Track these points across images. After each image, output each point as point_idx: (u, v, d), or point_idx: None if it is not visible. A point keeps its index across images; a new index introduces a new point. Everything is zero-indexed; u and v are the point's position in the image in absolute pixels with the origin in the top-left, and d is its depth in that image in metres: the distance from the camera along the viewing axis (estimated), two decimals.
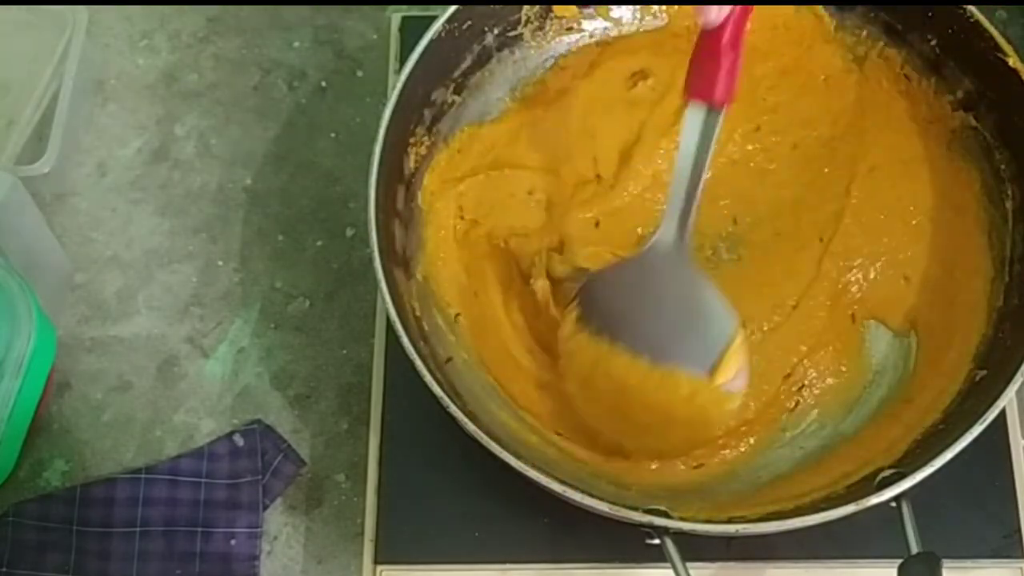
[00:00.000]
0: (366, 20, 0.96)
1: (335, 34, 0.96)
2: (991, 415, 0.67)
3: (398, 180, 0.78)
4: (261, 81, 0.95)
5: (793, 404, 0.77)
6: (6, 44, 0.91)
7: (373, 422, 0.78)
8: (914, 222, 0.80)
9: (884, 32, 0.82)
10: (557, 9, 0.84)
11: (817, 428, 0.77)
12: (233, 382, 0.85)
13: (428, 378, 0.68)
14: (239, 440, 0.82)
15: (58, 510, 0.80)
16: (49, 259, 0.85)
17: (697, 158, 0.67)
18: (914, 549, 0.66)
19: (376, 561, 0.75)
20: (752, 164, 0.83)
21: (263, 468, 0.81)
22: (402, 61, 0.78)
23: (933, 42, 0.80)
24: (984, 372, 0.73)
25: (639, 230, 0.81)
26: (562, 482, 0.67)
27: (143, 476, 0.81)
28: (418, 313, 0.76)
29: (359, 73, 0.95)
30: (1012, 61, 0.75)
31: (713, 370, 0.68)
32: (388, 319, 0.71)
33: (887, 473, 0.69)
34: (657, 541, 0.66)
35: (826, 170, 0.82)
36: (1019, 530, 0.75)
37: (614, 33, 0.86)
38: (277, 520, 0.82)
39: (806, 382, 0.77)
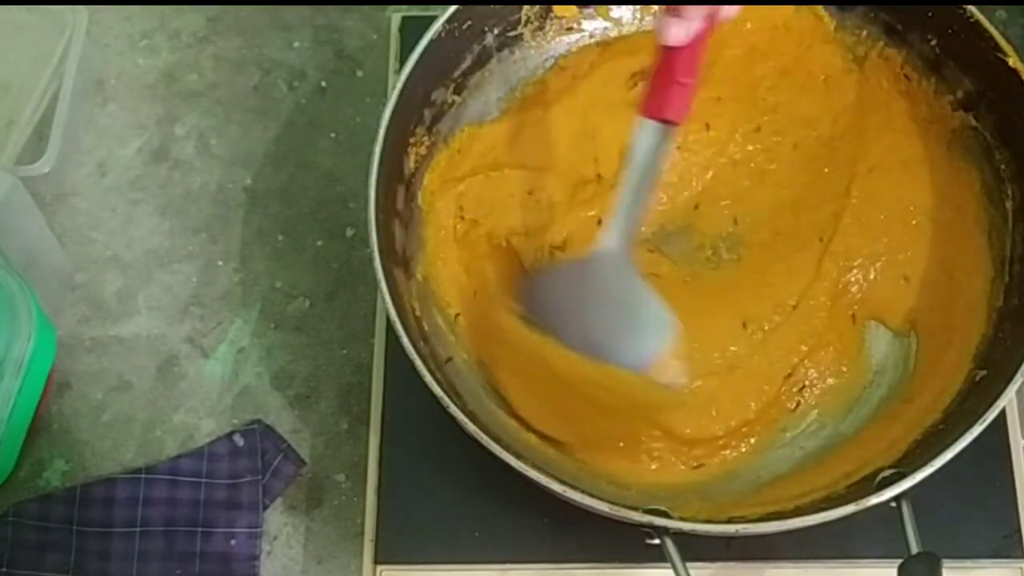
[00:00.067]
0: (366, 20, 0.96)
1: (335, 34, 0.96)
2: (991, 415, 0.67)
3: (398, 180, 0.78)
4: (261, 81, 0.95)
5: (794, 405, 0.77)
6: (6, 44, 0.91)
7: (373, 422, 0.78)
8: (914, 222, 0.80)
9: (884, 32, 0.82)
10: (557, 9, 0.84)
11: (817, 428, 0.77)
12: (233, 382, 0.85)
13: (428, 378, 0.68)
14: (239, 440, 0.82)
15: (58, 510, 0.80)
16: (49, 259, 0.85)
17: (647, 171, 0.68)
18: (914, 549, 0.66)
19: (376, 561, 0.75)
20: (752, 164, 0.83)
21: (263, 468, 0.81)
22: (402, 61, 0.78)
23: (933, 42, 0.80)
24: (984, 372, 0.73)
25: (643, 229, 0.81)
26: (562, 482, 0.67)
27: (143, 476, 0.81)
28: (418, 313, 0.76)
29: (359, 73, 0.95)
30: (1012, 61, 0.75)
31: (649, 368, 0.69)
32: (388, 319, 0.71)
33: (887, 473, 0.69)
34: (657, 541, 0.66)
35: (826, 170, 0.82)
36: (1019, 530, 0.75)
37: (614, 33, 0.86)
38: (277, 520, 0.82)
39: (807, 382, 0.77)
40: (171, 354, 0.86)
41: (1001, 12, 0.95)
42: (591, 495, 0.67)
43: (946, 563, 0.65)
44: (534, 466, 0.67)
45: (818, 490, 0.71)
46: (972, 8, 0.76)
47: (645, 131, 0.68)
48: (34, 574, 0.78)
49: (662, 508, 0.68)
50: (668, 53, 0.66)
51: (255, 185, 0.91)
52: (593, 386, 0.70)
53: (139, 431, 0.84)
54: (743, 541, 0.72)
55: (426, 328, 0.76)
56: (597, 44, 0.86)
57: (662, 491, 0.74)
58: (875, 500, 0.66)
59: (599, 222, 0.80)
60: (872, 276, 0.79)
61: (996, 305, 0.76)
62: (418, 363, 0.69)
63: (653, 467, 0.76)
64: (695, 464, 0.76)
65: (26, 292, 0.77)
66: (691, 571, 0.66)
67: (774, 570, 0.74)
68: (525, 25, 0.83)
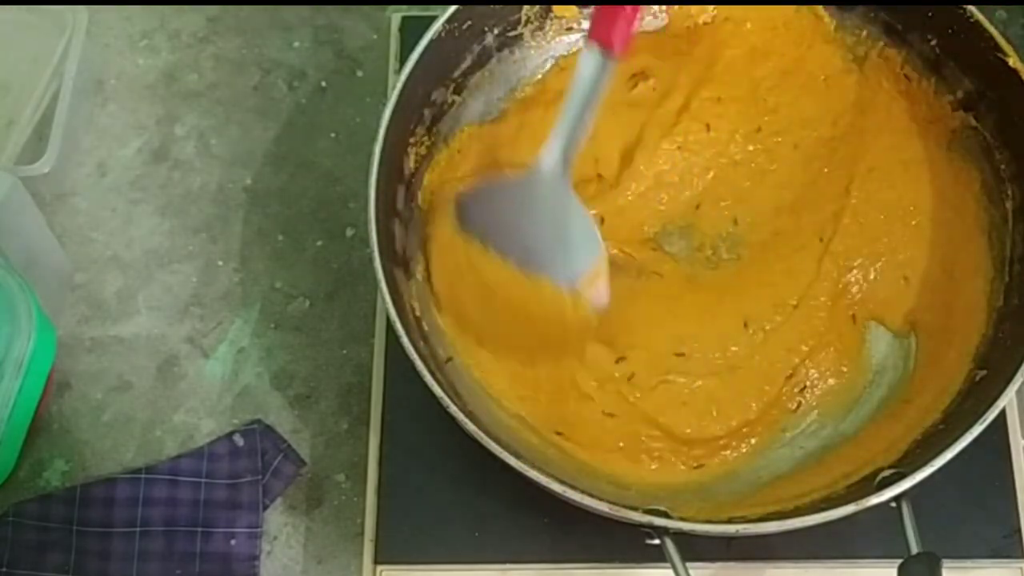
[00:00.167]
0: (366, 20, 0.96)
1: (335, 34, 0.96)
2: (991, 415, 0.67)
3: (398, 180, 0.78)
4: (261, 81, 0.95)
5: (795, 405, 0.77)
6: (6, 44, 0.91)
7: (373, 422, 0.78)
8: (914, 222, 0.80)
9: (884, 32, 0.82)
10: (557, 9, 0.84)
11: (817, 428, 0.77)
12: (233, 382, 0.85)
13: (428, 378, 0.68)
14: (239, 440, 0.82)
15: (58, 510, 0.80)
16: (49, 259, 0.85)
17: (587, 98, 0.70)
18: (914, 549, 0.66)
19: (376, 561, 0.75)
20: (753, 165, 0.83)
21: (263, 468, 0.81)
22: (402, 61, 0.78)
23: (933, 42, 0.80)
24: (984, 372, 0.73)
25: (646, 228, 0.82)
26: (562, 482, 0.67)
27: (143, 476, 0.81)
28: (418, 313, 0.76)
29: (359, 73, 0.95)
30: (1012, 61, 0.74)
31: (576, 284, 0.70)
32: (388, 319, 0.71)
33: (887, 473, 0.69)
34: (657, 541, 0.66)
35: (826, 170, 0.82)
36: (1019, 530, 0.75)
37: None
38: (277, 520, 0.82)
39: (808, 383, 0.77)
40: (171, 354, 0.86)
41: (1001, 12, 0.95)
42: (591, 495, 0.67)
43: (946, 563, 0.65)
44: (534, 466, 0.67)
45: (818, 490, 0.71)
46: (972, 8, 0.76)
47: (589, 57, 0.70)
48: (34, 574, 0.78)
49: (662, 508, 0.68)
50: None
51: (255, 185, 0.91)
52: (522, 297, 0.71)
53: (139, 431, 0.84)
54: (743, 541, 0.72)
55: (426, 328, 0.76)
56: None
57: (662, 491, 0.74)
58: (875, 500, 0.66)
59: (602, 220, 0.80)
60: (872, 276, 0.79)
61: (996, 305, 0.76)
62: (418, 363, 0.69)
63: (653, 467, 0.76)
64: (695, 464, 0.76)
65: (26, 292, 0.77)
66: (691, 571, 0.66)
67: (774, 570, 0.74)
68: (525, 25, 0.83)
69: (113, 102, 0.94)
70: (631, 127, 0.83)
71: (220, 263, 0.89)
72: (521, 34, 0.83)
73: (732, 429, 0.76)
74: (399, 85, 0.75)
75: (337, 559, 0.81)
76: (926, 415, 0.73)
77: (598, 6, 0.70)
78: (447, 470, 0.76)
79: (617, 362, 0.77)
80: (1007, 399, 0.68)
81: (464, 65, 0.81)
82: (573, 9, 0.85)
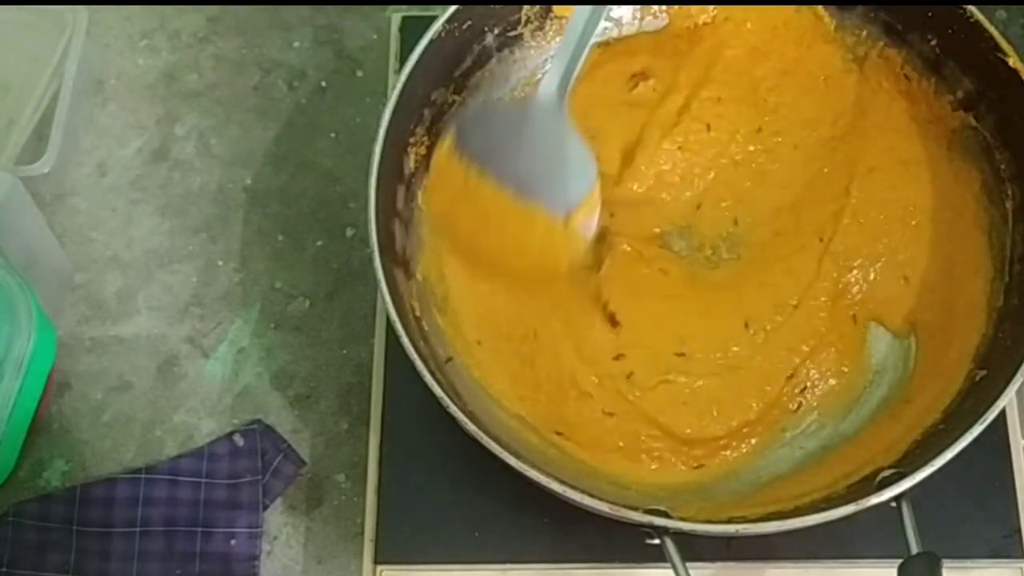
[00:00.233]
0: (366, 20, 0.96)
1: (335, 34, 0.96)
2: (991, 415, 0.67)
3: (398, 180, 0.78)
4: (261, 81, 0.95)
5: (796, 406, 0.77)
6: (6, 44, 0.91)
7: (373, 422, 0.78)
8: (914, 222, 0.80)
9: (884, 32, 0.82)
10: (557, 9, 0.84)
11: (817, 428, 0.77)
12: (233, 382, 0.85)
13: (428, 378, 0.68)
14: (239, 440, 0.82)
15: (58, 510, 0.80)
16: (49, 259, 0.85)
17: (584, 31, 0.70)
18: (914, 549, 0.66)
19: (376, 561, 0.75)
20: (754, 165, 0.83)
21: (263, 468, 0.81)
22: (402, 61, 0.78)
23: (933, 42, 0.80)
24: (984, 372, 0.73)
25: (656, 229, 0.81)
26: (562, 482, 0.67)
27: (143, 476, 0.81)
28: (418, 313, 0.76)
29: (359, 73, 0.95)
30: (1012, 61, 0.74)
31: (569, 213, 0.70)
32: (388, 319, 0.71)
33: (887, 473, 0.69)
34: (657, 541, 0.66)
35: (826, 170, 0.82)
36: (1019, 530, 0.75)
37: (614, 33, 0.86)
38: (277, 520, 0.82)
39: (808, 383, 0.77)
40: (171, 354, 0.86)
41: (1001, 12, 0.95)
42: (591, 495, 0.67)
43: (946, 563, 0.65)
44: (534, 466, 0.67)
45: (818, 490, 0.71)
46: (972, 8, 0.76)
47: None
48: (34, 574, 0.78)
49: (662, 508, 0.68)
50: None
51: (255, 185, 0.91)
52: (515, 223, 0.70)
53: (139, 431, 0.84)
54: (743, 541, 0.72)
55: (426, 328, 0.76)
56: (597, 44, 0.86)
57: (662, 491, 0.74)
58: (875, 500, 0.66)
59: (611, 215, 0.81)
60: (872, 276, 0.79)
61: (996, 305, 0.76)
62: (418, 363, 0.69)
63: (653, 467, 0.76)
64: (695, 464, 0.76)
65: (26, 292, 0.77)
66: (691, 571, 0.66)
67: (774, 570, 0.74)
68: (525, 25, 0.83)
69: (113, 102, 0.94)
70: (632, 127, 0.83)
71: (220, 263, 0.89)
72: (521, 34, 0.83)
73: (732, 429, 0.76)
74: (399, 85, 0.75)
75: (337, 559, 0.81)
76: (926, 415, 0.73)
77: None
78: (447, 470, 0.76)
79: (616, 359, 0.77)
80: (1007, 399, 0.68)
81: (464, 65, 0.81)
82: (573, 9, 0.84)
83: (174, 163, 0.92)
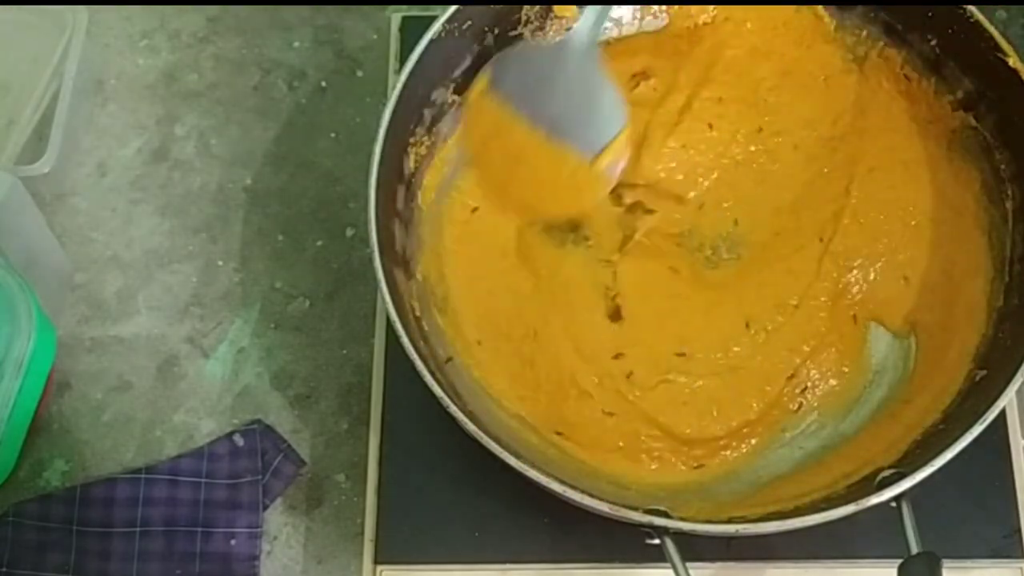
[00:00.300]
0: (366, 20, 0.96)
1: (335, 34, 0.96)
2: (991, 415, 0.67)
3: (398, 180, 0.78)
4: (261, 81, 0.95)
5: (796, 406, 0.77)
6: (6, 44, 0.91)
7: (373, 422, 0.78)
8: (914, 222, 0.80)
9: (884, 32, 0.82)
10: (557, 9, 0.83)
11: (817, 428, 0.77)
12: (233, 382, 0.85)
13: (428, 378, 0.68)
14: (239, 440, 0.82)
15: (58, 510, 0.80)
16: (49, 259, 0.85)
17: None
18: (914, 549, 0.66)
19: (376, 561, 0.75)
20: (755, 165, 0.83)
21: (263, 468, 0.81)
22: (402, 61, 0.78)
23: (933, 42, 0.80)
24: (984, 372, 0.73)
25: (674, 229, 0.81)
26: (562, 482, 0.67)
27: (143, 476, 0.81)
28: (418, 313, 0.76)
29: (359, 73, 0.95)
30: (1012, 61, 0.74)
31: (597, 155, 0.72)
32: (388, 319, 0.71)
33: (887, 473, 0.69)
34: (657, 541, 0.66)
35: (826, 170, 0.82)
36: (1019, 530, 0.75)
37: (614, 33, 0.86)
38: (277, 520, 0.82)
39: (809, 383, 0.77)
40: (171, 354, 0.86)
41: (1001, 12, 0.95)
42: (591, 495, 0.67)
43: (946, 563, 0.65)
44: (534, 466, 0.67)
45: (818, 490, 0.71)
46: (972, 8, 0.76)
47: None
48: (34, 574, 0.78)
49: (662, 508, 0.68)
50: None
51: (255, 185, 0.91)
52: (546, 162, 0.73)
53: (139, 431, 0.84)
54: (743, 541, 0.72)
55: (426, 328, 0.76)
56: (598, 44, 0.86)
57: (662, 491, 0.74)
58: (875, 500, 0.66)
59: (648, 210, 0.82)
60: (872, 276, 0.79)
61: (996, 305, 0.76)
62: (418, 363, 0.69)
63: (653, 467, 0.76)
64: (695, 464, 0.76)
65: (26, 292, 0.77)
66: (691, 571, 0.66)
67: (774, 570, 0.74)
68: (525, 25, 0.83)
69: (113, 102, 0.94)
70: (634, 126, 0.83)
71: (220, 263, 0.89)
72: (521, 34, 0.83)
73: (732, 429, 0.76)
74: (399, 85, 0.75)
75: (337, 559, 0.81)
76: (926, 415, 0.73)
77: None
78: (447, 470, 0.76)
79: (616, 358, 0.77)
80: (1007, 399, 0.68)
81: (464, 65, 0.81)
82: (573, 9, 0.84)
83: (174, 163, 0.92)
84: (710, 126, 0.83)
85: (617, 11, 0.86)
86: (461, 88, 0.81)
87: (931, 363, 0.77)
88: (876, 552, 0.73)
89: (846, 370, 0.78)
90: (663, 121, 0.83)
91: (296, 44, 0.96)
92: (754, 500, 0.72)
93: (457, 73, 0.81)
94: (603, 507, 0.66)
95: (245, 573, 0.79)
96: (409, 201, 0.79)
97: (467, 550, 0.75)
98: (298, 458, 0.82)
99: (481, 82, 0.75)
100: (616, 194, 0.81)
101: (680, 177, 0.82)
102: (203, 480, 0.81)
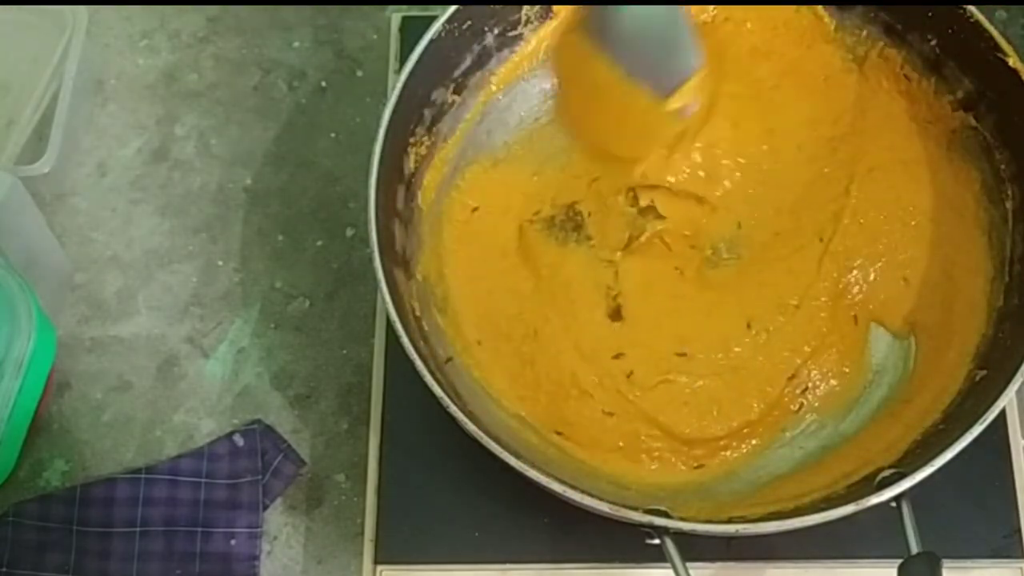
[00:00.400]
0: (366, 20, 0.96)
1: (335, 34, 0.96)
2: (991, 415, 0.67)
3: (398, 180, 0.78)
4: (261, 81, 0.95)
5: (797, 407, 0.77)
6: (6, 44, 0.91)
7: (373, 422, 0.78)
8: (914, 222, 0.80)
9: (884, 32, 0.82)
10: (557, 9, 0.84)
11: (817, 428, 0.77)
12: (233, 382, 0.85)
13: (428, 378, 0.68)
14: (239, 440, 0.82)
15: (58, 510, 0.80)
16: (49, 259, 0.86)
17: None
18: (914, 549, 0.66)
19: (376, 561, 0.75)
20: (765, 166, 0.83)
21: (263, 468, 0.81)
22: (402, 61, 0.78)
23: (933, 42, 0.80)
24: (984, 372, 0.73)
25: (683, 231, 0.81)
26: (562, 482, 0.67)
27: (143, 476, 0.81)
28: (418, 313, 0.76)
29: (359, 73, 0.95)
30: (1012, 61, 0.74)
31: (670, 94, 0.75)
32: (388, 319, 0.71)
33: (887, 473, 0.69)
34: (657, 541, 0.66)
35: (826, 170, 0.82)
36: (1019, 530, 0.75)
37: None
38: (277, 520, 0.82)
39: (810, 384, 0.77)
40: (171, 354, 0.86)
41: (1001, 12, 0.95)
42: (591, 495, 0.67)
43: (946, 563, 0.65)
44: (534, 466, 0.67)
45: (818, 490, 0.71)
46: (972, 8, 0.76)
47: None
48: (34, 574, 0.78)
49: (662, 508, 0.68)
50: None
51: (255, 185, 0.91)
52: (620, 98, 0.75)
53: (139, 431, 0.84)
54: (743, 541, 0.72)
55: (426, 328, 0.76)
56: None
57: (662, 491, 0.74)
58: (875, 500, 0.66)
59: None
60: (872, 277, 0.79)
61: (996, 305, 0.76)
62: (418, 363, 0.69)
63: (653, 467, 0.76)
64: (695, 464, 0.76)
65: (26, 292, 0.77)
66: (691, 571, 0.66)
67: (774, 570, 0.74)
68: (525, 25, 0.83)
69: (113, 102, 0.94)
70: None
71: (220, 263, 0.89)
72: (521, 34, 0.83)
73: (733, 429, 0.76)
74: (399, 85, 0.75)
75: (337, 559, 0.81)
76: (926, 415, 0.73)
77: None
78: (447, 470, 0.76)
79: (616, 358, 0.77)
80: (1007, 399, 0.68)
81: (464, 65, 0.81)
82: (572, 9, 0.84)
83: (174, 163, 0.92)
84: (735, 125, 0.82)
85: None
86: (461, 88, 0.82)
87: (931, 363, 0.77)
88: (876, 552, 0.73)
89: (846, 370, 0.78)
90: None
91: (296, 44, 0.96)
92: (754, 500, 0.72)
93: (457, 73, 0.81)
94: (603, 507, 0.66)
95: (245, 573, 0.79)
96: (409, 201, 0.79)
97: (467, 550, 0.75)
98: (298, 458, 0.82)
99: (575, 19, 0.77)
100: (632, 195, 0.81)
101: (702, 174, 0.82)
102: (203, 480, 0.81)
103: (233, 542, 0.79)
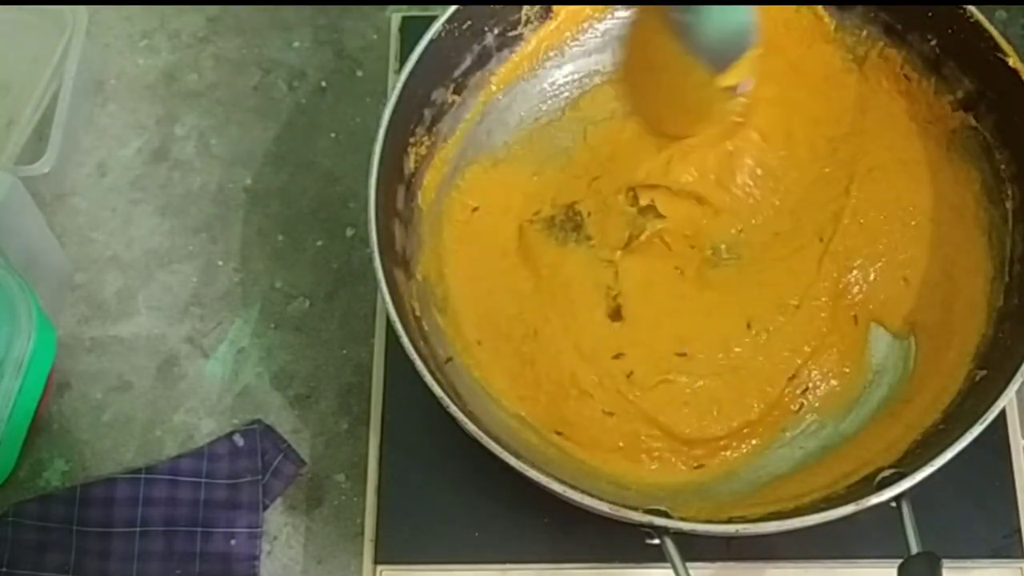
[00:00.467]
0: (366, 20, 0.96)
1: (335, 34, 0.96)
2: (991, 415, 0.67)
3: (398, 180, 0.78)
4: (261, 81, 0.95)
5: (797, 407, 0.77)
6: (6, 44, 0.91)
7: (373, 422, 0.78)
8: (913, 222, 0.80)
9: (884, 32, 0.82)
10: (557, 9, 0.84)
11: (817, 428, 0.77)
12: (233, 382, 0.85)
13: (428, 378, 0.68)
14: (239, 440, 0.82)
15: (58, 510, 0.80)
16: (49, 259, 0.86)
17: None
18: (914, 549, 0.66)
19: (376, 561, 0.75)
20: (775, 173, 0.83)
21: (263, 468, 0.81)
22: (402, 61, 0.78)
23: (933, 42, 0.80)
24: (984, 372, 0.73)
25: (684, 231, 0.81)
26: (562, 482, 0.67)
27: (143, 476, 0.81)
28: (418, 313, 0.76)
29: (359, 73, 0.95)
30: (1012, 61, 0.75)
31: (725, 70, 0.74)
32: (388, 319, 0.71)
33: (887, 473, 0.69)
34: (657, 541, 0.66)
35: (826, 170, 0.82)
36: (1019, 530, 0.75)
37: (615, 33, 0.86)
38: (277, 520, 0.82)
39: (810, 384, 0.77)
40: (171, 354, 0.86)
41: (1001, 12, 0.95)
42: (591, 495, 0.67)
43: (946, 563, 0.65)
44: (534, 466, 0.67)
45: (818, 490, 0.71)
46: (972, 8, 0.76)
47: None
48: (34, 574, 0.78)
49: (662, 508, 0.68)
50: None
51: (255, 185, 0.91)
52: (676, 72, 0.74)
53: (139, 431, 0.84)
54: (743, 541, 0.72)
55: (426, 328, 0.76)
56: None
57: (662, 491, 0.74)
58: (875, 500, 0.66)
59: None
60: (872, 277, 0.79)
61: (996, 305, 0.76)
62: (418, 363, 0.69)
63: (653, 467, 0.76)
64: (695, 464, 0.76)
65: (26, 292, 0.77)
66: (691, 571, 0.66)
67: (774, 570, 0.74)
68: (525, 25, 0.83)
69: (113, 102, 0.94)
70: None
71: (220, 263, 0.89)
72: (521, 34, 0.83)
73: (733, 429, 0.76)
74: (399, 85, 0.75)
75: (337, 559, 0.81)
76: (926, 415, 0.73)
77: None
78: (447, 470, 0.76)
79: (616, 358, 0.77)
80: (1007, 399, 0.68)
81: (464, 65, 0.81)
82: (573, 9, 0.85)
83: (174, 163, 0.92)
84: (757, 127, 0.82)
85: (621, 12, 0.86)
86: (461, 88, 0.82)
87: (931, 363, 0.77)
88: (876, 552, 0.73)
89: (847, 370, 0.78)
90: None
91: (296, 44, 0.96)
92: (754, 500, 0.72)
93: (457, 73, 0.81)
94: (603, 507, 0.66)
95: (245, 573, 0.79)
96: (409, 201, 0.79)
97: (467, 550, 0.75)
98: (298, 458, 0.82)
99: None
100: (632, 194, 0.81)
101: (712, 178, 0.82)
102: (203, 480, 0.81)
103: (233, 542, 0.79)
